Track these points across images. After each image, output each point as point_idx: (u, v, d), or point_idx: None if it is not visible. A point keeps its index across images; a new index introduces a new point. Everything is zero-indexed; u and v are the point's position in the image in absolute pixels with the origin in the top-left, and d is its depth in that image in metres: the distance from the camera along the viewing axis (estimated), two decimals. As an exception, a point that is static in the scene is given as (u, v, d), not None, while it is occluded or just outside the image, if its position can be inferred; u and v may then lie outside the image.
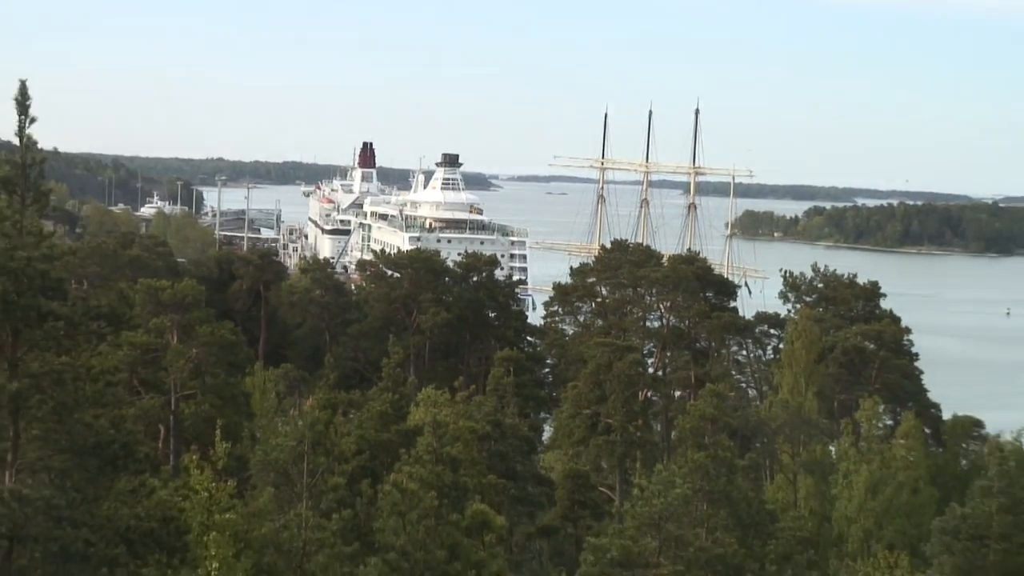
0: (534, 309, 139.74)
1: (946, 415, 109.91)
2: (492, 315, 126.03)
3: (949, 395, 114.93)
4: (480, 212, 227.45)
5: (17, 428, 28.20)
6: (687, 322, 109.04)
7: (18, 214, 28.31)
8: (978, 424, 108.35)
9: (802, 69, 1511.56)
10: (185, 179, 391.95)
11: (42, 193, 30.01)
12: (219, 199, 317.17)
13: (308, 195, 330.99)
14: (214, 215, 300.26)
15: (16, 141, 29.06)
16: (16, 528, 27.69)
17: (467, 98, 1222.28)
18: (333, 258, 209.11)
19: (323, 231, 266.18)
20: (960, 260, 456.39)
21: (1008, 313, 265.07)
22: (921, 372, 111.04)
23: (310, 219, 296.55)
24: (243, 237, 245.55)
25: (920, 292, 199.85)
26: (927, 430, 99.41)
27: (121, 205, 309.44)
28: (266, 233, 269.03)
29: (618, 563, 41.32)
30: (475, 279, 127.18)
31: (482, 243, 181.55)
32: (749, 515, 47.66)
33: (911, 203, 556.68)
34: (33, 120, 28.71)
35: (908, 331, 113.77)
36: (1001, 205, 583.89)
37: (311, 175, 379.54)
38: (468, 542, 24.67)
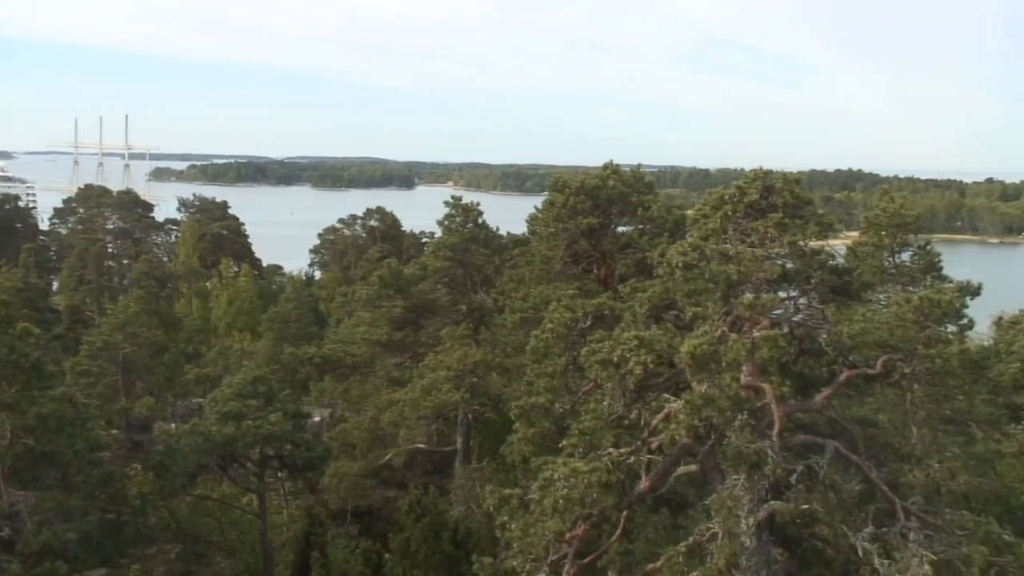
0: (43, 222, 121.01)
1: (265, 264, 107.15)
2: (19, 225, 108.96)
3: (266, 255, 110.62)
4: (6, 171, 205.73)
5: None
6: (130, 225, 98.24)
7: None
8: (281, 268, 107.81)
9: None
10: None
11: None
12: None
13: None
14: None
15: None
16: None
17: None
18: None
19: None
20: (266, 189, 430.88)
21: (292, 214, 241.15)
22: (252, 243, 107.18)
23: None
24: None
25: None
26: (256, 272, 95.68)
27: None
28: None
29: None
30: (7, 207, 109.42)
31: (10, 188, 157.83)
32: (168, 319, 42.94)
33: (242, 161, 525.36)
34: None
35: (242, 223, 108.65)
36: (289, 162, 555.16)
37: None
38: None
